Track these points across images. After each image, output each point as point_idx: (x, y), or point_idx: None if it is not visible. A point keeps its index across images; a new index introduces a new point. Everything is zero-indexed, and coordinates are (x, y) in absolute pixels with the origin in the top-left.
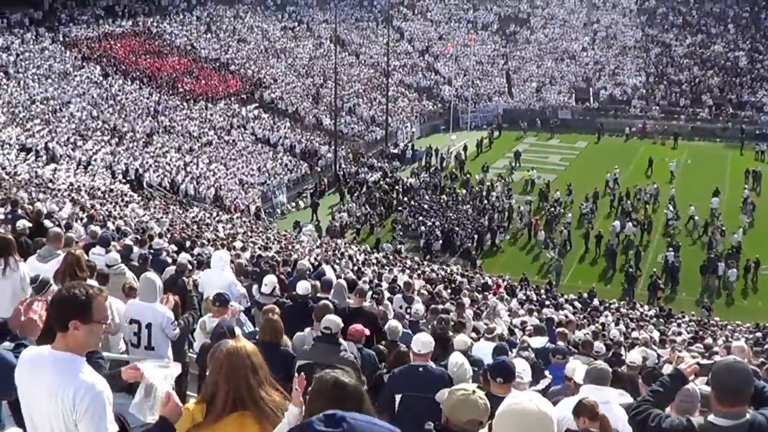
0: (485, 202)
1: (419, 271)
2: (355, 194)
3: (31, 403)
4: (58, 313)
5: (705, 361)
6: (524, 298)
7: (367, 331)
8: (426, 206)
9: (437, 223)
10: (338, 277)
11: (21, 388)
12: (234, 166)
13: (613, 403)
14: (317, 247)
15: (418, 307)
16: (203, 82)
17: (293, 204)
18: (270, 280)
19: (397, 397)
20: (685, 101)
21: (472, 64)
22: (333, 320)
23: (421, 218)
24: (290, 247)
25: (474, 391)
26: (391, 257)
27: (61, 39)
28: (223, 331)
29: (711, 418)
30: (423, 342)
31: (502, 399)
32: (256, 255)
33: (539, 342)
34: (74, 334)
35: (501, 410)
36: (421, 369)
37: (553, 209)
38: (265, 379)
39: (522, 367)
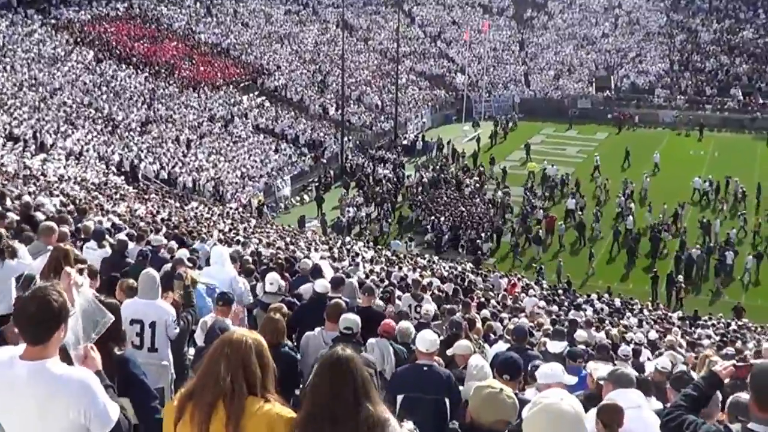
0: (476, 197)
1: (430, 270)
2: (364, 188)
3: (12, 423)
4: (54, 322)
5: (741, 363)
6: (541, 298)
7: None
8: (435, 201)
9: (443, 219)
10: (347, 275)
11: None
12: (235, 158)
13: (644, 407)
14: (323, 243)
15: (429, 307)
16: (202, 68)
17: (297, 198)
18: (274, 278)
19: (399, 398)
20: (712, 90)
21: (487, 51)
22: (353, 320)
23: (429, 213)
24: (294, 244)
25: (501, 389)
26: (401, 255)
27: (52, 22)
28: (218, 335)
29: (750, 425)
30: (429, 340)
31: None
32: (258, 252)
33: (558, 347)
34: (59, 336)
35: (534, 410)
36: (425, 369)
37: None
38: (250, 375)
39: (551, 368)
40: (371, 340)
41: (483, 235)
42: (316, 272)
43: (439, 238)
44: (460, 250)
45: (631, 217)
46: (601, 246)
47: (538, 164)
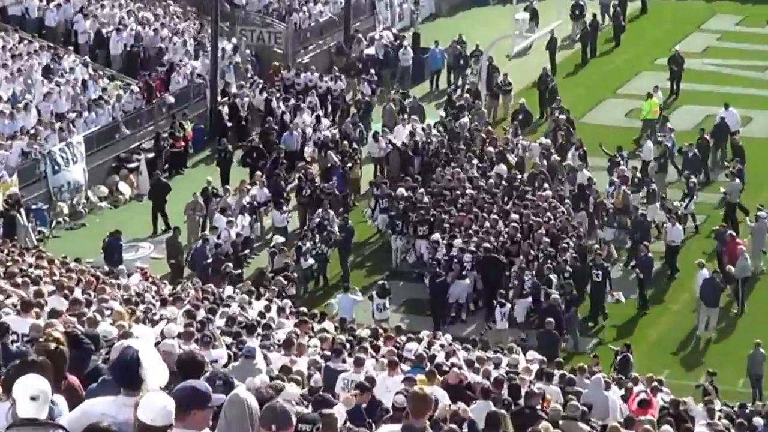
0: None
1: (430, 367)
2: (267, 166)
3: None
4: None
5: None
6: None
7: None
8: (440, 196)
9: (459, 241)
10: (224, 381)
11: None
12: None
13: None
14: (170, 302)
15: None
16: None
17: (103, 190)
18: (38, 386)
19: None
20: None
21: None
22: None
23: (424, 228)
24: (95, 304)
25: None
26: (358, 330)
27: None
28: None
29: None
30: None
31: None
32: (2, 324)
33: None
34: None
35: None
36: None
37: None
38: None
39: None
40: None
41: (557, 277)
42: (126, 370)
43: (446, 286)
44: (500, 316)
45: None
46: None
47: (652, 99)
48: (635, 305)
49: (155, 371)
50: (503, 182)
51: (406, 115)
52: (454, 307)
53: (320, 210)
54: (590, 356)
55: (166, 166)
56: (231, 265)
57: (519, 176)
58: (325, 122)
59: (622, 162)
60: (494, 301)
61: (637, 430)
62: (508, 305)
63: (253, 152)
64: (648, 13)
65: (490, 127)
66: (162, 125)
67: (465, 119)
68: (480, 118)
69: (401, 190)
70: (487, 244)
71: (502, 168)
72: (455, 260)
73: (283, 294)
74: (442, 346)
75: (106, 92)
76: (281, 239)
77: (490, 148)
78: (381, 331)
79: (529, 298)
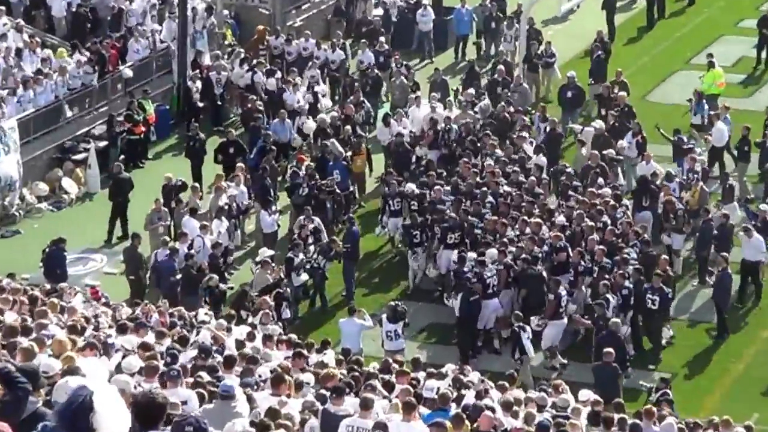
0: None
1: (463, 407)
2: (254, 161)
3: None
4: None
5: None
6: None
7: None
8: (465, 197)
9: (493, 252)
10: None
11: None
12: None
13: None
14: (137, 326)
15: None
16: None
17: (43, 188)
18: None
19: None
20: None
21: None
22: None
23: (452, 236)
24: (38, 329)
25: None
26: (363, 364)
27: None
28: None
29: None
30: None
31: None
32: None
33: None
34: None
35: None
36: None
37: None
38: None
39: None
40: None
41: (615, 297)
42: (75, 416)
43: (477, 305)
44: (528, 343)
45: None
46: None
47: (720, 69)
48: (710, 331)
49: (111, 418)
50: (545, 177)
51: (419, 93)
52: (482, 333)
53: (302, 217)
54: (652, 395)
55: (122, 157)
56: (216, 277)
57: (567, 169)
58: (326, 102)
59: (697, 149)
60: (515, 327)
61: None
62: (529, 329)
63: (228, 147)
64: None
65: (512, 108)
66: (117, 106)
67: (486, 101)
68: (522, 98)
69: (411, 186)
70: (525, 255)
71: (542, 159)
72: (480, 276)
73: (273, 317)
74: (472, 383)
75: (47, 64)
76: (269, 252)
77: (525, 134)
78: (394, 364)
79: (564, 319)
